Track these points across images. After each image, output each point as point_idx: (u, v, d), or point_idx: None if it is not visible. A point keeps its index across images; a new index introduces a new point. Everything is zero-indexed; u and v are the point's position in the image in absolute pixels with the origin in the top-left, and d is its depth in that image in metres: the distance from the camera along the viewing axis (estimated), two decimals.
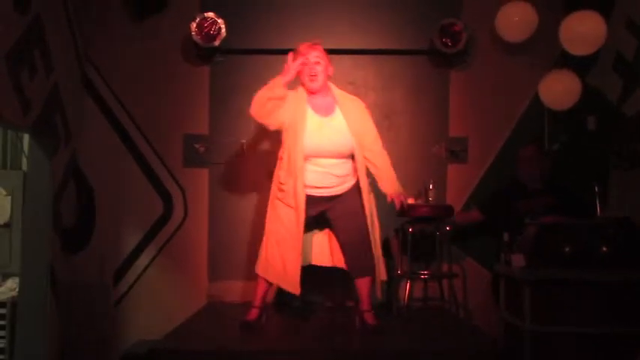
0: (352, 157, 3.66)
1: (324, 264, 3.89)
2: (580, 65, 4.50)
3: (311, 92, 3.65)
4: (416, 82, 4.82)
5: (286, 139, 3.65)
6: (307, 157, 3.60)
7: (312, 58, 3.60)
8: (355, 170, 3.68)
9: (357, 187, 3.70)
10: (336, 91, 3.74)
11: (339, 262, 3.82)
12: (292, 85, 3.66)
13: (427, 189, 4.35)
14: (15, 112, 3.74)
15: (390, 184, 3.75)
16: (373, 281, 3.71)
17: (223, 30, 4.52)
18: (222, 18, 4.52)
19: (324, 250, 3.89)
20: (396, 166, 4.64)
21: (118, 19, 4.73)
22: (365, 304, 3.70)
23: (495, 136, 4.79)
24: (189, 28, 4.51)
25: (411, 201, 4.28)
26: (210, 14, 4.52)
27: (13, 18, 3.66)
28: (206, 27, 4.52)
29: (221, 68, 4.75)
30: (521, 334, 3.36)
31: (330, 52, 4.40)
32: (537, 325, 3.31)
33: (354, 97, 3.81)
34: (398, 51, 4.79)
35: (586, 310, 3.31)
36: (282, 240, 3.65)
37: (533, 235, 3.48)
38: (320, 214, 3.75)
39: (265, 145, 4.71)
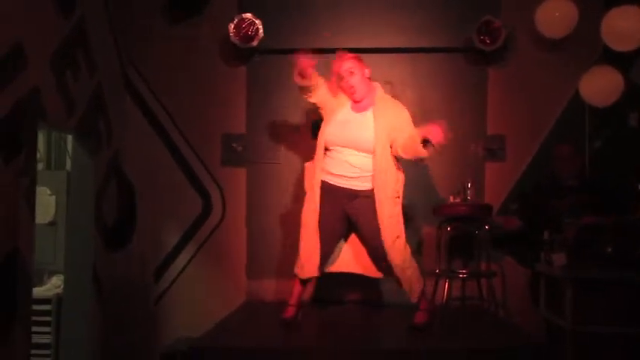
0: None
1: (354, 271, 3.90)
2: (622, 61, 4.42)
3: (356, 102, 3.68)
4: (453, 80, 4.80)
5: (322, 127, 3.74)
6: (330, 149, 3.67)
7: (344, 71, 3.64)
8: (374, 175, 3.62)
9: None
10: (380, 94, 3.73)
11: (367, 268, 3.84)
12: None
13: (465, 187, 4.30)
14: (59, 113, 3.83)
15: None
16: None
17: (261, 30, 4.56)
18: (259, 19, 4.56)
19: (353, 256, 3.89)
20: (433, 164, 4.70)
21: (158, 20, 4.81)
22: (412, 298, 3.69)
23: (534, 134, 4.73)
24: (228, 29, 4.56)
25: (451, 199, 4.29)
26: (248, 15, 4.57)
27: (58, 21, 3.75)
28: (244, 28, 4.56)
29: (258, 68, 4.80)
30: (563, 333, 3.33)
31: (367, 50, 4.46)
32: (579, 325, 3.27)
33: (396, 101, 3.75)
34: (435, 49, 4.76)
35: (627, 310, 3.26)
36: (306, 231, 3.71)
37: (574, 235, 3.45)
38: (344, 212, 3.71)
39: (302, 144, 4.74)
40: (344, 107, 3.71)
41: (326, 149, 3.71)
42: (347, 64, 3.65)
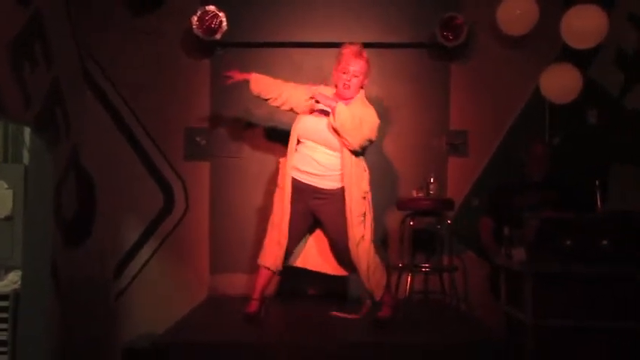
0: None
1: (317, 269, 3.93)
2: (581, 59, 4.50)
3: (341, 98, 3.64)
4: (417, 76, 4.82)
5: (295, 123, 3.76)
6: (300, 141, 3.68)
7: (352, 68, 3.61)
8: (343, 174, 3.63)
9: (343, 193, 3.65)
10: (359, 96, 3.70)
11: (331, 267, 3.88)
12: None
13: (428, 182, 4.34)
14: (17, 105, 3.72)
15: None
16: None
17: (224, 23, 4.51)
18: (223, 11, 4.51)
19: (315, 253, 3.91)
20: (396, 158, 4.74)
21: (118, 12, 4.72)
22: (376, 297, 3.72)
23: (496, 130, 4.79)
24: (190, 21, 4.50)
25: (414, 193, 4.33)
26: (211, 7, 4.51)
27: (15, 10, 3.65)
28: (207, 20, 4.51)
29: (222, 61, 4.74)
30: (523, 327, 3.38)
31: (330, 45, 4.45)
32: (539, 319, 3.32)
33: (367, 105, 3.69)
34: (399, 44, 4.78)
35: (587, 304, 3.33)
36: (272, 222, 3.74)
37: (534, 230, 3.49)
38: (309, 210, 3.73)
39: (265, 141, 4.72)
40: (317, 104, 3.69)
41: (298, 141, 3.70)
42: (358, 66, 3.61)
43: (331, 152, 3.62)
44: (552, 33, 4.39)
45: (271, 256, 3.74)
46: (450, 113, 4.82)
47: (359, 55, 3.63)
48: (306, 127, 3.67)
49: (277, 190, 3.78)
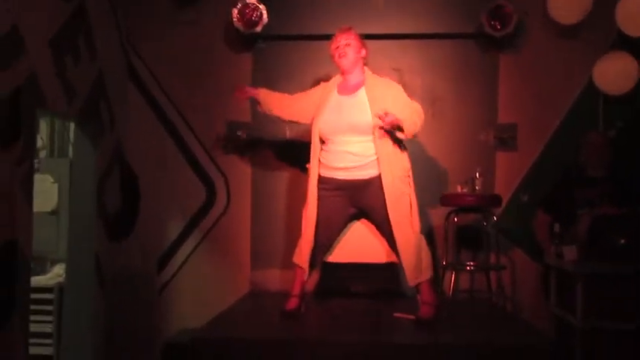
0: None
1: (356, 260, 3.90)
2: (637, 47, 4.29)
3: (343, 72, 3.68)
4: (463, 67, 4.67)
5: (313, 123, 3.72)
6: (327, 139, 3.62)
7: (342, 41, 3.66)
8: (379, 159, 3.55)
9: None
10: (369, 74, 3.70)
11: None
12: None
13: (474, 178, 4.20)
14: (59, 100, 3.76)
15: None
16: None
17: (265, 16, 4.47)
18: (263, 4, 4.47)
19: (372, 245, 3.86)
20: (441, 153, 4.61)
21: (161, 6, 4.73)
22: (423, 295, 3.62)
23: (546, 123, 4.60)
24: (232, 14, 4.46)
25: (459, 189, 4.20)
26: (252, 0, 4.47)
27: (58, 5, 3.68)
28: (248, 13, 4.48)
29: (263, 54, 4.70)
30: (573, 329, 3.23)
31: (375, 37, 4.36)
32: (590, 321, 3.16)
33: (387, 79, 3.74)
34: (445, 35, 4.64)
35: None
36: (305, 221, 3.72)
37: (587, 227, 3.33)
38: (351, 204, 3.68)
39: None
40: (330, 94, 3.67)
41: (322, 142, 3.64)
42: (346, 35, 3.67)
43: (364, 138, 3.53)
44: (607, 20, 4.21)
45: (304, 254, 3.69)
46: (498, 106, 4.66)
47: (346, 30, 3.70)
48: (330, 124, 3.59)
49: (307, 194, 3.72)
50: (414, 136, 3.54)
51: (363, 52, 3.69)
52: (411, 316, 3.59)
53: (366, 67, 3.72)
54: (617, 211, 3.51)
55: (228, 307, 4.01)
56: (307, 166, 3.79)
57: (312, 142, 3.68)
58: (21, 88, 3.24)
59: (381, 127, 3.44)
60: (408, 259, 3.56)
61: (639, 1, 4.05)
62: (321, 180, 3.65)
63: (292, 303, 3.69)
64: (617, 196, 3.92)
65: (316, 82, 3.91)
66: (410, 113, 3.49)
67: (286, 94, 3.93)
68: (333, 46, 3.68)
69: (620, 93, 4.30)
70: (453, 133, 4.66)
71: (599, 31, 4.41)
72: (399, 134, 3.47)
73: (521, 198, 4.57)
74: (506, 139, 4.63)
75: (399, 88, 3.66)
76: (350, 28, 3.72)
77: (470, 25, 4.59)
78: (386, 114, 3.35)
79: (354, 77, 3.67)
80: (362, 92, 3.60)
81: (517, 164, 4.62)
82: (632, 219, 3.33)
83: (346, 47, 3.64)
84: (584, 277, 3.19)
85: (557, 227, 3.60)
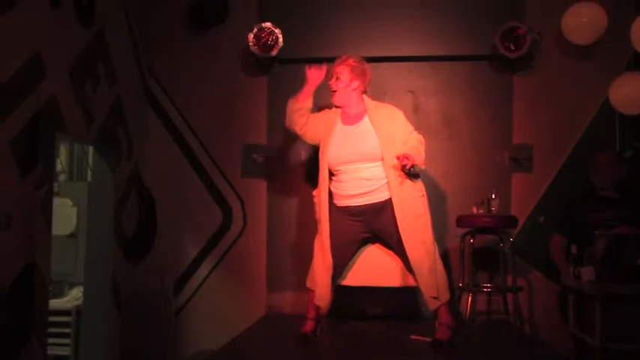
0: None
1: (369, 284, 3.89)
2: None
3: (337, 105, 3.73)
4: (478, 89, 4.68)
5: (321, 153, 3.73)
6: (336, 170, 3.64)
7: (333, 74, 3.69)
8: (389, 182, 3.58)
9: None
10: (369, 101, 3.73)
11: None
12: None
13: (490, 198, 4.19)
14: (78, 124, 3.83)
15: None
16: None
17: (280, 40, 4.52)
18: (279, 28, 4.52)
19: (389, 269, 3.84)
20: (456, 174, 4.61)
21: (178, 32, 4.81)
22: (441, 317, 3.60)
23: (562, 144, 4.58)
24: (247, 38, 4.53)
25: (474, 210, 4.18)
26: (268, 24, 4.53)
27: (78, 31, 3.76)
28: (263, 37, 4.53)
29: (279, 78, 4.75)
30: (592, 351, 3.18)
31: (388, 59, 4.39)
32: (608, 343, 3.12)
33: (387, 105, 3.78)
34: (458, 57, 4.66)
35: None
36: (317, 247, 3.74)
37: (603, 247, 3.31)
38: (365, 230, 3.69)
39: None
40: (334, 126, 3.69)
41: (331, 173, 3.67)
42: (338, 70, 3.69)
43: (374, 164, 3.57)
44: (622, 41, 4.17)
45: (318, 279, 3.70)
46: (513, 127, 4.65)
47: (343, 61, 3.69)
48: (338, 155, 3.62)
49: (319, 223, 3.74)
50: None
51: (355, 84, 3.68)
52: (428, 339, 3.56)
53: (365, 96, 3.74)
54: (634, 231, 3.48)
55: (244, 330, 4.02)
56: (314, 193, 3.81)
57: (321, 171, 3.70)
58: (40, 113, 3.31)
59: (401, 169, 3.48)
60: (424, 282, 3.55)
61: None
62: (336, 209, 3.68)
63: (308, 326, 3.70)
64: (631, 217, 3.88)
65: (328, 106, 3.91)
66: (416, 145, 3.57)
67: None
68: (328, 77, 3.73)
69: (637, 113, 4.27)
70: (469, 154, 4.65)
71: (614, 52, 4.40)
72: (412, 169, 3.51)
73: (537, 219, 4.54)
74: (521, 160, 4.62)
75: (402, 115, 3.70)
76: (347, 59, 3.71)
77: (484, 47, 4.60)
78: (405, 157, 3.39)
79: (353, 108, 3.71)
80: (366, 120, 3.65)
81: (533, 185, 4.59)
82: None
83: (336, 82, 3.68)
84: (602, 297, 3.15)
85: (574, 248, 3.57)
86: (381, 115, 3.63)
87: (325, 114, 3.81)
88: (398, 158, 3.43)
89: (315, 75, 3.76)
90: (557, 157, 4.59)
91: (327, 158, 3.65)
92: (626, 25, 4.14)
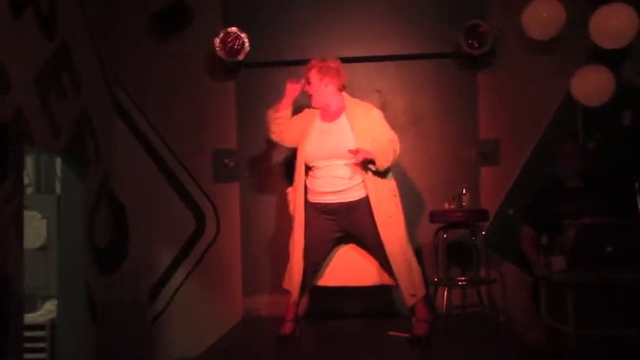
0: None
1: (346, 284, 3.92)
2: (612, 59, 4.38)
3: (316, 107, 3.79)
4: (443, 86, 4.75)
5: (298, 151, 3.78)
6: (313, 165, 3.68)
7: (306, 79, 3.78)
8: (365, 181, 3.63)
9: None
10: (348, 99, 3.78)
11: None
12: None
13: (461, 194, 4.25)
14: (45, 135, 3.78)
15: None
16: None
17: (247, 44, 4.52)
18: (245, 32, 4.52)
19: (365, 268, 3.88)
20: (426, 171, 4.67)
21: (143, 39, 4.77)
22: (418, 313, 3.66)
23: (527, 137, 4.67)
24: (214, 43, 4.52)
25: (446, 205, 4.24)
26: (234, 29, 4.52)
27: (41, 43, 3.72)
28: (230, 42, 4.52)
29: (246, 82, 4.75)
30: (566, 339, 3.26)
31: (354, 60, 4.43)
32: (580, 330, 3.20)
33: (366, 103, 3.83)
34: (423, 55, 4.72)
35: (631, 312, 3.19)
36: (293, 246, 3.76)
37: (573, 237, 3.38)
38: (339, 228, 3.72)
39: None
40: (312, 122, 3.75)
41: (308, 169, 3.70)
42: (310, 74, 3.75)
43: (349, 162, 3.61)
44: (581, 35, 4.29)
45: (294, 279, 3.72)
46: (479, 122, 4.73)
47: (310, 66, 3.77)
48: (315, 151, 3.67)
49: (294, 220, 3.78)
50: (386, 168, 3.61)
51: (326, 81, 3.72)
52: (406, 334, 3.60)
53: (344, 93, 3.79)
54: (600, 220, 3.57)
55: (222, 336, 4.01)
56: (287, 190, 3.84)
57: (297, 167, 3.74)
58: (7, 126, 3.26)
59: (357, 164, 3.55)
60: (401, 279, 3.60)
61: (611, 13, 4.14)
62: (310, 206, 3.70)
63: (287, 328, 3.71)
64: (597, 206, 3.98)
65: (299, 108, 3.94)
66: (386, 146, 3.59)
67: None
68: (295, 85, 3.83)
69: (598, 104, 4.38)
70: (437, 151, 4.72)
71: (574, 45, 4.50)
72: (370, 166, 3.56)
73: (507, 212, 4.62)
74: (488, 154, 4.70)
75: (379, 114, 3.75)
76: (312, 61, 3.78)
77: (448, 45, 4.67)
78: (357, 151, 3.45)
79: (332, 105, 3.75)
80: (343, 118, 3.69)
81: (501, 179, 4.68)
82: (616, 227, 3.38)
83: (309, 86, 3.75)
84: (574, 286, 3.22)
85: (544, 239, 3.64)
86: (358, 113, 3.68)
87: (303, 115, 3.86)
88: (350, 152, 3.48)
89: (292, 89, 3.85)
90: (523, 149, 4.68)
91: (304, 154, 3.69)
92: (584, 20, 4.25)
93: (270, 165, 4.75)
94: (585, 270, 3.26)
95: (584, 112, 4.56)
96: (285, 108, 3.85)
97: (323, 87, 3.73)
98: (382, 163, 3.55)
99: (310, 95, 3.77)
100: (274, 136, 3.89)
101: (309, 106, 3.88)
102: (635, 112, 4.49)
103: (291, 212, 3.82)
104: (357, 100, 3.82)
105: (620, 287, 3.20)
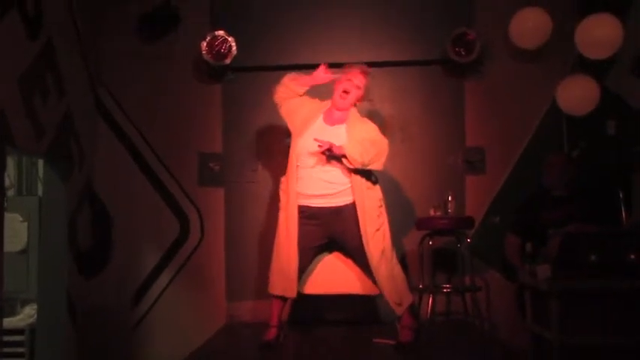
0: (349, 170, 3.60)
1: (331, 292, 3.90)
2: (598, 69, 4.42)
3: (335, 107, 3.70)
4: (430, 93, 4.77)
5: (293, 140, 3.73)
6: (301, 161, 3.63)
7: (355, 80, 3.68)
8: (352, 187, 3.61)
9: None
10: (354, 113, 3.74)
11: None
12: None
13: (446, 201, 4.26)
14: (29, 137, 3.73)
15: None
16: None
17: (234, 48, 4.50)
18: (232, 36, 4.50)
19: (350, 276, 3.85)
20: (412, 178, 4.68)
21: (129, 41, 4.73)
22: (403, 320, 3.64)
23: (513, 145, 4.70)
24: (200, 47, 4.49)
25: (432, 212, 4.24)
26: (221, 32, 4.51)
27: (25, 43, 3.67)
28: (217, 45, 4.51)
29: (232, 86, 4.73)
30: (550, 346, 3.26)
31: (342, 66, 4.39)
32: (565, 337, 3.20)
33: (366, 120, 3.77)
34: (411, 62, 4.73)
35: (615, 320, 3.20)
36: (281, 248, 3.69)
37: (558, 245, 3.39)
38: (324, 233, 3.69)
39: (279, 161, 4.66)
40: (315, 119, 3.71)
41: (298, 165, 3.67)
42: (358, 81, 3.68)
43: (336, 168, 3.59)
44: (567, 44, 4.33)
45: (280, 283, 3.68)
46: (465, 130, 4.75)
47: (365, 72, 3.72)
48: (308, 146, 3.60)
49: (281, 214, 3.73)
50: (363, 165, 3.55)
51: (361, 91, 3.69)
52: (391, 341, 3.59)
53: (355, 108, 3.75)
54: (585, 228, 3.59)
55: (205, 341, 3.97)
56: (282, 179, 3.77)
57: (290, 159, 3.68)
58: None
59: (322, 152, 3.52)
60: (386, 289, 3.61)
61: (597, 24, 4.18)
62: (299, 209, 3.66)
63: (271, 333, 3.68)
64: (582, 214, 4.00)
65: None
66: (367, 145, 3.55)
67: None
68: (344, 79, 3.68)
69: (583, 114, 4.41)
70: (423, 158, 4.73)
71: (560, 55, 4.54)
72: (344, 161, 3.53)
73: (492, 220, 4.64)
74: (474, 162, 4.72)
75: (375, 128, 3.71)
76: (367, 72, 3.73)
77: (435, 52, 4.68)
78: (321, 141, 3.46)
79: (342, 113, 3.71)
80: (344, 127, 3.66)
81: (486, 187, 4.70)
82: (601, 236, 3.40)
83: (353, 88, 3.66)
84: (559, 294, 3.23)
85: (529, 247, 3.65)
86: (358, 127, 3.66)
87: (313, 103, 3.79)
88: (316, 140, 3.48)
89: (322, 77, 3.76)
90: (509, 158, 4.71)
91: (298, 148, 3.65)
92: (570, 30, 4.29)
93: (256, 169, 4.72)
94: (570, 279, 3.27)
95: (569, 121, 4.59)
96: (303, 85, 3.77)
97: (355, 91, 3.68)
98: (353, 157, 3.49)
99: (345, 94, 3.65)
100: (276, 98, 3.80)
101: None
102: (619, 121, 4.54)
103: (280, 205, 3.75)
104: (362, 117, 3.77)
105: (604, 296, 3.21)
